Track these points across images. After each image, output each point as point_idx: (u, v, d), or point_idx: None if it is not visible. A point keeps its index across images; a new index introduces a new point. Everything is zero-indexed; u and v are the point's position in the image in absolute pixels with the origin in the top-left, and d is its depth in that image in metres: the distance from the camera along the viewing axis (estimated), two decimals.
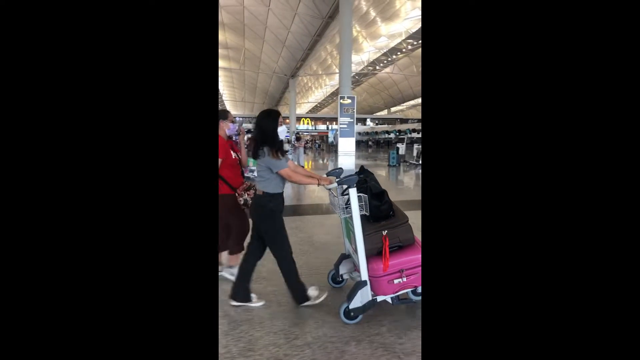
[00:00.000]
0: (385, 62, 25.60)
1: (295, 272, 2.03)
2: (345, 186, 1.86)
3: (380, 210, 1.91)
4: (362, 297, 1.87)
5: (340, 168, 2.19)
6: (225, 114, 2.50)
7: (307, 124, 35.91)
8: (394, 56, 24.53)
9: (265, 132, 1.93)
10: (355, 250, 1.99)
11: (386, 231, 1.86)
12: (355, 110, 10.57)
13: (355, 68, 27.26)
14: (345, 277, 2.34)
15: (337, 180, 1.87)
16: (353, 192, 1.83)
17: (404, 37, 21.09)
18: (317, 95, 35.97)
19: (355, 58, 26.86)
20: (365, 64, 26.31)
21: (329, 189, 2.00)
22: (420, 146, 12.98)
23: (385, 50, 23.73)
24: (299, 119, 32.30)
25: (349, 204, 1.84)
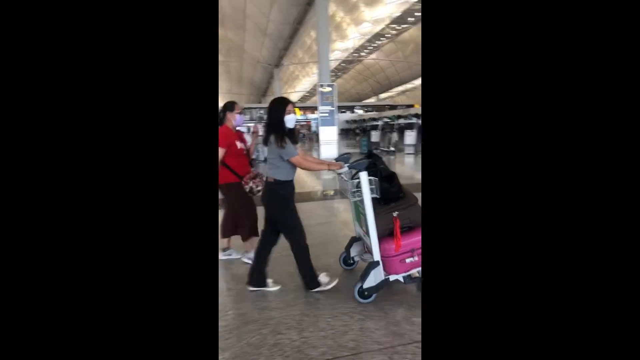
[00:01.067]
0: (370, 48, 25.45)
1: (308, 258, 2.08)
2: (355, 170, 1.90)
3: (390, 192, 1.97)
4: (375, 277, 1.94)
5: (348, 153, 2.22)
6: (232, 106, 2.54)
7: (297, 113, 35.49)
8: (378, 42, 24.41)
9: (271, 120, 1.97)
10: (367, 233, 2.05)
11: (397, 212, 1.92)
12: (335, 98, 10.47)
13: (341, 55, 27.07)
14: (356, 259, 2.42)
15: (347, 164, 1.91)
16: (364, 176, 1.87)
17: (387, 23, 20.98)
18: (304, 84, 35.77)
19: (340, 45, 26.62)
20: (351, 51, 26.12)
21: (340, 174, 2.04)
22: (395, 134, 12.67)
23: (369, 37, 23.59)
24: None
25: (360, 187, 1.89)
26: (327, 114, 10.44)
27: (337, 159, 2.19)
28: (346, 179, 2.06)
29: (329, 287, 2.11)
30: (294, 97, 39.34)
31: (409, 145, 11.15)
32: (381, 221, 1.91)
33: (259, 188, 2.48)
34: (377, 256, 1.94)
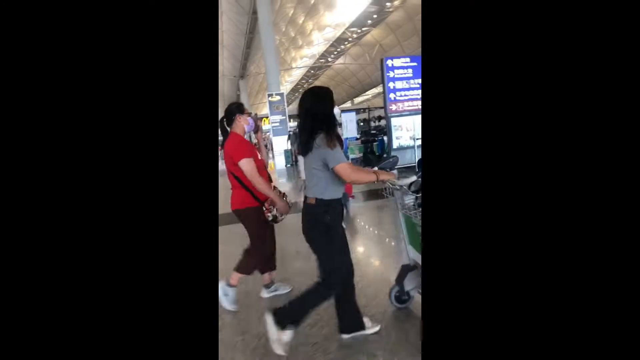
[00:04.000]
0: (335, 52, 25.52)
1: (353, 297, 1.67)
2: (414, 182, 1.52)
3: None
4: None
5: (395, 156, 1.78)
6: (241, 107, 2.01)
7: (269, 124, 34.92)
8: (342, 46, 24.52)
9: (317, 116, 1.48)
10: None
11: None
12: (285, 106, 10.23)
13: (309, 62, 27.00)
14: (412, 293, 1.96)
15: (418, 176, 1.52)
16: None
17: (347, 26, 21.11)
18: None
19: (307, 51, 26.59)
20: (317, 57, 26.11)
21: (400, 186, 1.62)
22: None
23: (333, 41, 23.66)
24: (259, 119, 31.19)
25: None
26: (278, 124, 10.24)
27: (380, 167, 1.75)
28: (405, 191, 1.65)
29: (372, 331, 1.69)
30: (261, 109, 38.83)
31: None
32: None
33: (284, 216, 2.02)
34: None
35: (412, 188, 1.62)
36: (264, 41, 10.79)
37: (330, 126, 1.49)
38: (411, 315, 1.93)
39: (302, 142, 1.51)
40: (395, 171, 1.65)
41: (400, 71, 7.24)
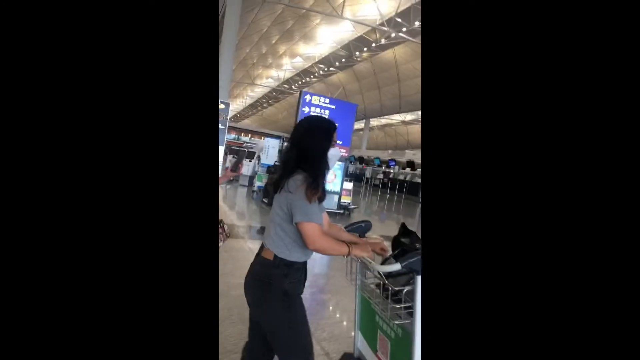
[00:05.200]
0: (300, 83, 25.93)
1: None
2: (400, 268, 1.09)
3: None
4: None
5: (368, 221, 1.39)
6: None
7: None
8: (308, 79, 25.12)
9: (305, 152, 1.11)
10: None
11: None
12: (227, 117, 9.61)
13: (273, 83, 26.94)
14: None
15: (403, 263, 1.09)
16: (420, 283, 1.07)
17: (316, 61, 21.81)
18: (236, 105, 34.19)
19: (273, 73, 26.64)
20: (281, 81, 26.26)
21: (372, 269, 1.18)
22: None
23: (299, 71, 24.14)
24: None
25: (410, 302, 1.07)
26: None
27: (349, 229, 1.35)
28: (376, 274, 1.24)
29: None
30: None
31: None
32: None
33: (221, 244, 1.56)
34: None
35: (393, 281, 1.16)
36: (224, 43, 10.22)
37: (317, 170, 1.09)
38: None
39: (278, 176, 1.13)
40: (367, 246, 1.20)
41: (317, 110, 7.23)
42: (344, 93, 25.68)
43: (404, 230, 1.41)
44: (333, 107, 7.41)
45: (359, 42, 18.16)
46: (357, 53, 19.34)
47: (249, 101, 33.29)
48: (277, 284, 1.09)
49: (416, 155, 18.71)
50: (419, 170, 15.88)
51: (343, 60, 20.72)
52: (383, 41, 17.14)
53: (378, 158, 19.81)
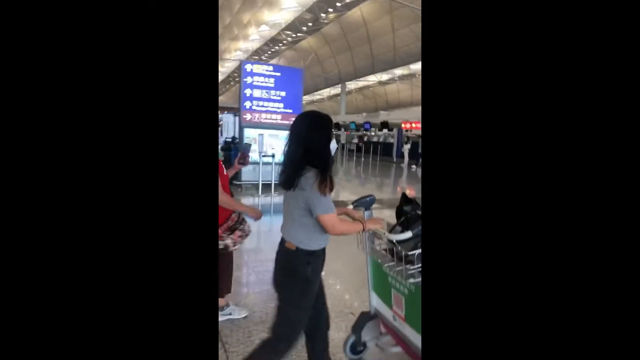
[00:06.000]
0: (270, 53, 24.90)
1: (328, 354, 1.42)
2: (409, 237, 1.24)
3: None
4: None
5: (372, 195, 1.52)
6: None
7: None
8: (277, 47, 24.13)
9: (311, 148, 1.20)
10: (407, 320, 1.49)
11: None
12: None
13: (243, 56, 25.73)
14: (369, 344, 1.77)
15: (413, 232, 1.24)
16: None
17: (282, 28, 20.89)
18: None
19: (242, 45, 25.33)
20: (250, 52, 25.11)
21: (398, 241, 1.34)
22: None
23: (267, 40, 23.10)
24: None
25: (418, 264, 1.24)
26: None
27: (355, 205, 1.51)
28: (392, 244, 1.40)
29: None
30: None
31: None
32: None
33: (237, 246, 1.83)
34: None
35: (402, 245, 1.32)
36: None
37: (325, 165, 1.19)
38: None
39: (287, 174, 1.22)
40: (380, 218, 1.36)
41: (260, 79, 6.72)
42: (317, 58, 24.94)
43: (405, 199, 1.55)
44: (278, 74, 6.81)
45: (324, 3, 17.41)
46: (323, 15, 18.61)
47: (221, 77, 31.90)
48: (301, 271, 1.24)
49: (390, 115, 18.66)
50: (402, 132, 15.99)
51: (310, 24, 19.90)
52: None
53: (354, 122, 19.57)
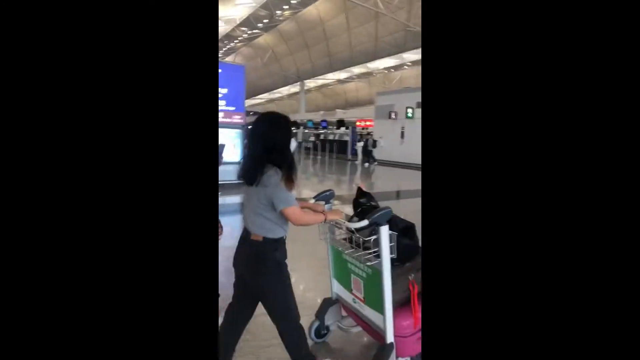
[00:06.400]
0: (225, 49, 24.19)
1: (305, 341, 1.41)
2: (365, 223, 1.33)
3: (410, 250, 1.48)
4: None
5: (331, 190, 1.63)
6: None
7: None
8: (232, 44, 23.53)
9: (273, 147, 1.27)
10: (366, 302, 1.53)
11: (413, 275, 1.47)
12: None
13: None
14: (332, 327, 1.82)
15: (370, 219, 1.32)
16: (385, 232, 1.33)
17: (237, 24, 20.43)
18: None
19: None
20: None
21: (356, 230, 1.40)
22: None
23: (222, 36, 22.42)
24: None
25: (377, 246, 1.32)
26: None
27: (317, 199, 1.61)
28: (348, 230, 1.48)
29: None
30: None
31: None
32: (395, 289, 1.41)
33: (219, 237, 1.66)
34: (391, 337, 1.43)
35: (360, 233, 1.41)
36: None
37: (287, 162, 1.28)
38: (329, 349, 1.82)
39: (249, 171, 1.27)
40: (339, 210, 1.45)
41: None
42: (274, 56, 24.67)
43: (360, 192, 1.65)
44: (219, 70, 6.98)
45: (278, 0, 17.35)
46: (279, 12, 18.48)
47: None
48: (271, 257, 1.31)
49: (346, 114, 19.05)
50: (357, 130, 16.32)
51: (265, 20, 19.66)
52: None
53: (311, 121, 19.76)
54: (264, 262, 1.30)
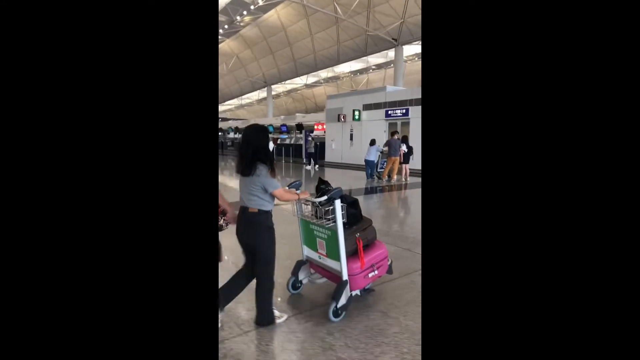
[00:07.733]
0: None
1: (272, 294, 2.02)
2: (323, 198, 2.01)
3: (355, 217, 2.18)
4: (346, 295, 2.10)
5: (299, 180, 2.30)
6: None
7: None
8: None
9: (258, 149, 1.91)
10: (328, 255, 2.20)
11: (359, 234, 2.16)
12: None
13: None
14: (304, 282, 2.49)
15: (329, 195, 2.01)
16: (338, 203, 2.01)
17: None
18: None
19: None
20: None
21: (320, 204, 2.12)
22: None
23: None
24: None
25: (333, 214, 2.01)
26: None
27: (289, 186, 2.28)
28: (315, 205, 2.16)
29: (280, 321, 2.09)
30: None
31: None
32: (346, 243, 2.09)
33: (228, 227, 2.14)
34: (345, 276, 2.11)
35: (324, 203, 2.11)
36: None
37: (269, 159, 1.95)
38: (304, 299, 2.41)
39: (245, 166, 1.92)
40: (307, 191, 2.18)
41: None
42: (239, 62, 24.74)
43: (320, 181, 2.35)
44: None
45: (237, 5, 17.50)
46: (238, 17, 18.64)
47: None
48: (265, 223, 1.97)
49: (305, 118, 18.99)
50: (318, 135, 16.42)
51: (226, 26, 19.68)
52: (261, 2, 16.79)
53: (272, 125, 19.88)
54: (259, 226, 1.95)
